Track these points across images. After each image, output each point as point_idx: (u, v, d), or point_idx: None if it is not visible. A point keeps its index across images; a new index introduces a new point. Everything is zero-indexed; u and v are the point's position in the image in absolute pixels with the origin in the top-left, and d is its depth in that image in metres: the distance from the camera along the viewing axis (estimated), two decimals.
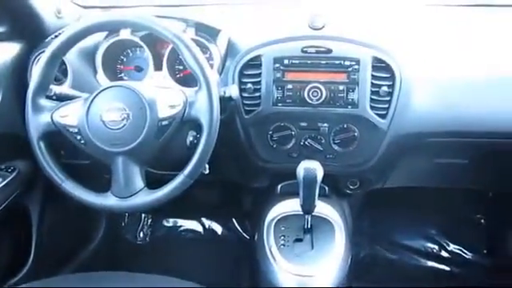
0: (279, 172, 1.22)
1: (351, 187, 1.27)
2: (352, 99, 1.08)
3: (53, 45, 0.95)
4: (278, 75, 1.10)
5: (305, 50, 1.09)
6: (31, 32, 1.20)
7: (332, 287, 1.02)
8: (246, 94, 1.11)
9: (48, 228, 1.40)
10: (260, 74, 1.10)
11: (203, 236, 1.83)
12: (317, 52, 1.09)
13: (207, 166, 0.95)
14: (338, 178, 1.25)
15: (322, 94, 1.07)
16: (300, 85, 1.09)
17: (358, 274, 1.50)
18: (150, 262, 1.71)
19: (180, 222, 1.86)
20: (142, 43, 1.17)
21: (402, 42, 1.14)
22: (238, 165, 1.26)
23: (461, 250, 1.72)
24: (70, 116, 0.94)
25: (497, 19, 1.24)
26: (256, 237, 1.16)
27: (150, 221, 1.86)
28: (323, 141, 1.14)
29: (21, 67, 1.18)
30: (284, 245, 1.07)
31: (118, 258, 1.74)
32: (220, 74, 1.15)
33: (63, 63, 1.13)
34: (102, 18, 0.96)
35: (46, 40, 1.21)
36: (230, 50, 1.17)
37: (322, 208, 1.13)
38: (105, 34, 1.19)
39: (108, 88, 0.93)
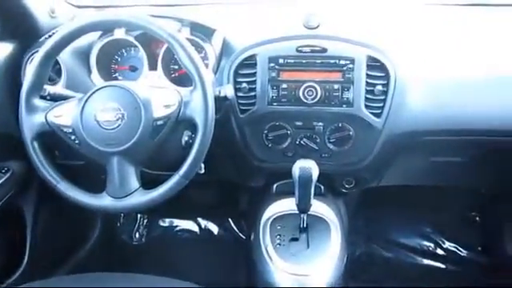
0: (275, 171, 1.22)
1: (347, 186, 1.27)
2: (347, 98, 1.08)
3: (46, 44, 0.94)
4: (273, 74, 1.10)
5: (300, 49, 1.09)
6: (25, 32, 1.19)
7: (328, 287, 1.02)
8: (241, 94, 1.11)
9: (42, 229, 1.40)
10: (255, 73, 1.10)
11: (199, 236, 1.82)
12: (312, 51, 1.09)
13: (203, 165, 0.95)
14: (333, 176, 1.25)
15: (317, 94, 1.08)
16: (295, 84, 1.09)
17: (354, 273, 1.51)
18: (146, 263, 1.70)
19: (176, 222, 1.85)
20: (136, 43, 1.17)
21: (396, 41, 1.14)
22: (234, 164, 1.26)
23: (456, 248, 1.73)
24: (64, 116, 0.93)
25: (493, 19, 1.25)
26: (252, 236, 1.16)
27: (145, 221, 1.86)
28: (318, 140, 1.14)
29: (14, 67, 1.18)
30: (280, 244, 1.07)
31: (113, 258, 1.73)
32: (215, 74, 1.15)
33: (57, 63, 1.12)
34: (96, 18, 0.95)
35: (40, 40, 1.20)
36: (225, 49, 1.17)
37: (318, 207, 1.13)
38: (99, 33, 1.19)
39: (102, 88, 0.93)
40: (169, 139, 0.94)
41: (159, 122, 0.91)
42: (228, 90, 1.02)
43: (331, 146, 1.14)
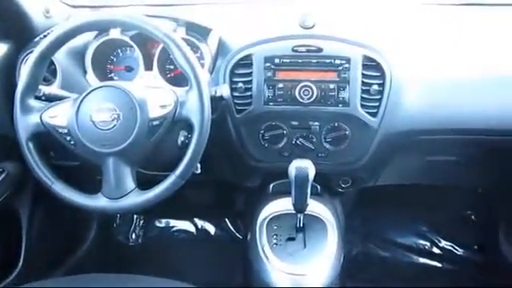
0: (271, 171, 1.22)
1: (343, 185, 1.27)
2: (343, 98, 1.08)
3: (41, 45, 0.94)
4: (269, 74, 1.09)
5: (295, 49, 1.09)
6: (19, 32, 1.19)
7: (325, 287, 1.02)
8: (237, 94, 1.11)
9: (38, 230, 1.39)
10: (251, 73, 1.10)
11: (196, 236, 1.82)
12: (307, 51, 1.09)
13: (199, 165, 0.95)
14: (329, 176, 1.25)
15: (312, 93, 1.08)
16: (291, 84, 1.09)
17: (351, 272, 1.51)
18: (143, 264, 1.70)
19: (172, 222, 1.85)
20: (132, 43, 1.16)
21: (392, 40, 1.15)
22: (230, 164, 1.26)
23: (452, 247, 1.73)
24: (59, 116, 0.93)
25: (489, 18, 1.25)
26: (249, 236, 1.16)
27: (142, 222, 1.85)
28: (314, 139, 1.14)
29: (9, 67, 1.17)
30: (276, 244, 1.07)
31: (110, 259, 1.73)
32: (211, 74, 1.14)
33: (52, 63, 1.12)
34: (92, 18, 0.95)
35: (35, 40, 1.19)
36: (221, 49, 1.16)
37: (314, 207, 1.13)
38: (94, 33, 1.18)
39: (98, 88, 0.93)
40: (165, 139, 0.94)
41: (155, 123, 0.90)
42: (224, 90, 1.02)
43: (327, 146, 1.14)
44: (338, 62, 1.08)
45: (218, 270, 1.62)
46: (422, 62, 1.14)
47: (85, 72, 1.18)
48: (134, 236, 1.83)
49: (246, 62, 1.10)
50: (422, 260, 1.73)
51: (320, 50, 1.09)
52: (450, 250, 1.73)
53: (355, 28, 1.17)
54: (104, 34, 1.17)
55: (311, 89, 1.08)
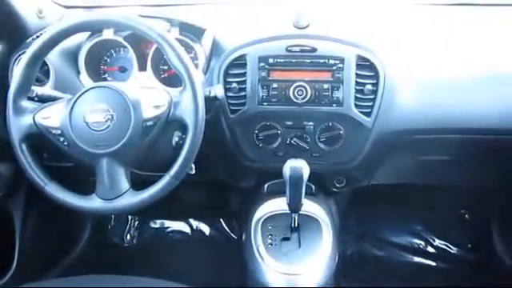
0: (265, 171, 1.22)
1: (337, 185, 1.28)
2: (337, 98, 1.09)
3: (34, 45, 0.93)
4: (263, 74, 1.10)
5: (289, 48, 1.09)
6: (11, 32, 1.18)
7: (319, 286, 1.02)
8: (231, 94, 1.11)
9: (32, 232, 1.38)
10: (245, 73, 1.10)
11: (191, 237, 1.82)
12: (301, 51, 1.09)
13: (193, 166, 0.95)
14: (324, 176, 1.25)
15: (307, 93, 1.08)
16: (285, 84, 1.09)
17: (346, 272, 1.52)
18: (138, 265, 1.69)
19: (167, 223, 1.84)
20: (125, 43, 1.16)
21: (386, 40, 1.15)
22: (225, 164, 1.26)
23: (446, 246, 1.74)
24: (52, 117, 0.93)
25: (481, 18, 1.26)
26: (243, 236, 1.16)
27: (136, 223, 1.84)
28: (309, 139, 1.14)
29: (1, 68, 1.16)
30: (271, 244, 1.06)
31: (104, 260, 1.72)
32: (205, 74, 1.14)
33: (45, 64, 1.11)
34: (85, 18, 0.95)
35: (27, 40, 1.18)
36: (215, 49, 1.16)
37: (309, 206, 1.13)
38: (88, 34, 1.18)
39: (91, 89, 0.92)
40: (159, 140, 0.94)
41: (149, 123, 0.90)
42: (218, 90, 1.02)
43: (322, 146, 1.15)
44: (331, 61, 1.08)
45: (213, 270, 1.62)
46: (415, 62, 1.14)
47: (78, 73, 1.17)
48: (128, 237, 1.82)
49: (240, 62, 1.10)
50: (417, 259, 1.73)
51: (314, 49, 1.09)
52: (444, 248, 1.74)
53: (349, 28, 1.17)
54: (97, 35, 1.17)
55: (305, 89, 1.08)
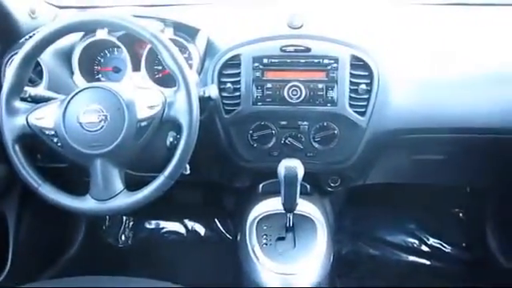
0: (260, 171, 1.22)
1: (332, 185, 1.28)
2: (331, 97, 1.09)
3: (27, 46, 0.93)
4: (258, 74, 1.10)
5: (284, 48, 1.10)
6: (4, 33, 1.17)
7: (315, 286, 1.03)
8: (225, 94, 1.11)
9: (26, 233, 1.37)
10: (239, 73, 1.10)
11: (186, 237, 1.81)
12: (296, 51, 1.10)
13: (188, 166, 0.94)
14: (318, 175, 1.25)
15: (301, 93, 1.08)
16: (279, 84, 1.09)
17: (341, 271, 1.52)
18: (133, 265, 1.69)
19: (162, 223, 1.84)
20: (119, 43, 1.16)
21: (380, 40, 1.16)
22: (219, 165, 1.26)
23: (440, 245, 1.75)
24: (46, 118, 0.92)
25: (475, 18, 1.26)
26: (238, 236, 1.16)
27: (131, 223, 1.84)
28: (303, 139, 1.14)
29: None
30: (266, 244, 1.06)
31: (99, 261, 1.71)
32: (199, 74, 1.14)
33: (38, 64, 1.11)
34: (78, 18, 0.94)
35: (20, 41, 1.18)
36: (209, 49, 1.16)
37: (304, 206, 1.13)
38: (81, 34, 1.17)
39: (85, 89, 0.92)
40: (153, 140, 0.93)
41: (143, 123, 0.90)
42: (212, 91, 1.01)
43: (316, 145, 1.15)
44: (326, 61, 1.09)
45: (209, 270, 1.62)
46: (409, 62, 1.15)
47: (72, 73, 1.17)
48: (123, 238, 1.82)
49: (234, 62, 1.10)
50: (411, 258, 1.74)
51: (308, 49, 1.09)
52: (438, 247, 1.75)
53: (343, 28, 1.17)
54: (91, 35, 1.16)
55: (300, 89, 1.08)
